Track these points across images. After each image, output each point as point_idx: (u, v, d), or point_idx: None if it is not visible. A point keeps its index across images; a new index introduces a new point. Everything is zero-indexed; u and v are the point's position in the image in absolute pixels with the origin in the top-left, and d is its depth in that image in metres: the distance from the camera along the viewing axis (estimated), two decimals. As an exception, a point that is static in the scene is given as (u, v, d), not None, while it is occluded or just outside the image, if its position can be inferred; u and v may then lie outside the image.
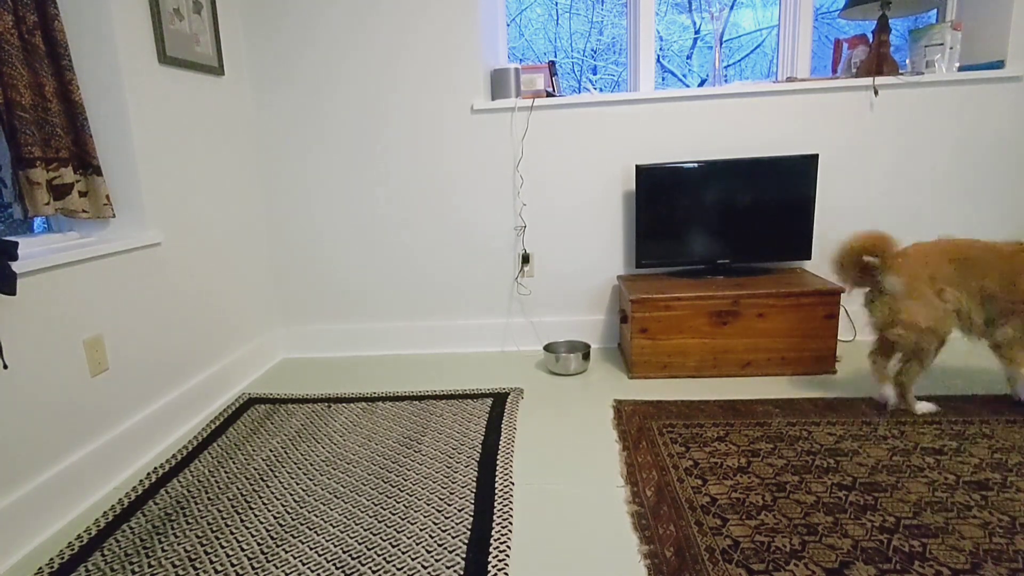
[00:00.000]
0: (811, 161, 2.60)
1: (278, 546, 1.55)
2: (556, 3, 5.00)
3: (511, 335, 3.01)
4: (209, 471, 1.95)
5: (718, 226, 2.69)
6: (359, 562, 1.46)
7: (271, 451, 2.06)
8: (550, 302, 2.97)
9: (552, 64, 2.93)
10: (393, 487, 1.79)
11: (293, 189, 2.93)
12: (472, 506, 1.67)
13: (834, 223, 2.79)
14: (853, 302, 2.85)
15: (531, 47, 5.04)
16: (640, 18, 2.92)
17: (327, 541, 1.55)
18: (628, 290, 2.56)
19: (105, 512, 1.74)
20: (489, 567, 1.42)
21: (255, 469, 1.95)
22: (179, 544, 1.58)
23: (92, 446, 1.84)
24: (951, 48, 2.62)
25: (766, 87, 2.69)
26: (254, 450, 2.07)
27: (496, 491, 1.73)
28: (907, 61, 2.77)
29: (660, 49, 4.79)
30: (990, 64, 2.62)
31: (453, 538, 1.53)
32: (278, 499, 1.76)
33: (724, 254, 2.72)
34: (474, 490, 1.74)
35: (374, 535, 1.56)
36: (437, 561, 1.45)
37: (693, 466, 1.80)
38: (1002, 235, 2.74)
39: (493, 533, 1.54)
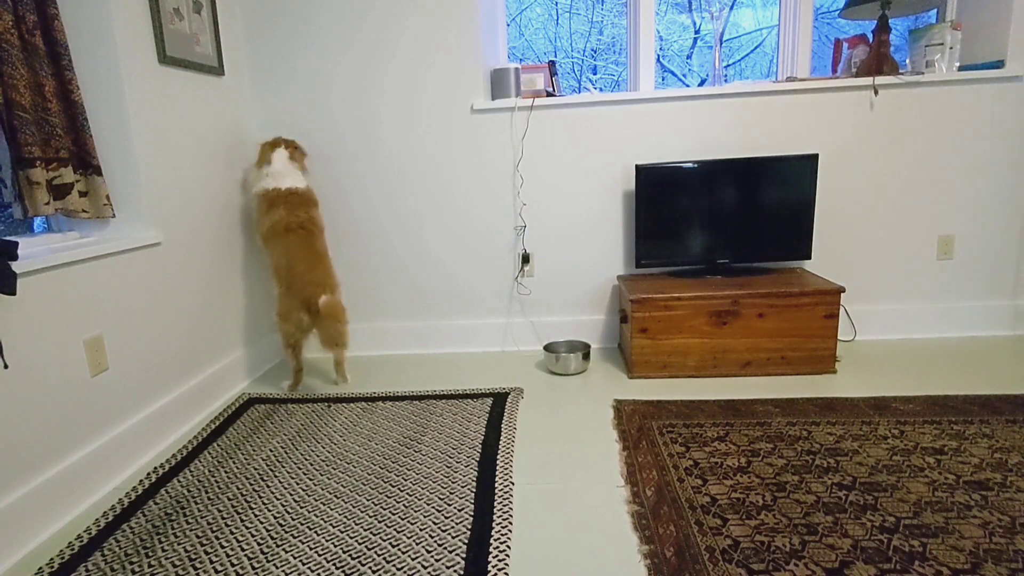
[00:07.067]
0: (811, 161, 2.59)
1: (278, 546, 1.55)
2: (556, 3, 5.00)
3: (511, 335, 3.01)
4: (209, 471, 1.95)
5: (718, 226, 2.69)
6: (359, 562, 1.46)
7: (271, 451, 2.06)
8: (550, 302, 2.97)
9: (552, 64, 2.93)
10: (393, 487, 1.79)
11: (293, 189, 2.93)
12: (472, 506, 1.67)
13: (834, 223, 2.80)
14: (854, 302, 2.85)
15: (531, 47, 5.04)
16: (640, 18, 2.92)
17: (327, 541, 1.55)
18: (628, 290, 2.56)
19: (105, 512, 1.74)
20: (489, 567, 1.42)
21: (255, 469, 1.95)
22: (179, 544, 1.58)
23: (92, 446, 1.84)
24: (951, 48, 2.62)
25: (766, 87, 2.69)
26: (254, 450, 2.07)
27: (496, 491, 1.73)
28: (907, 61, 2.77)
29: (660, 49, 4.79)
30: (990, 64, 2.62)
31: (453, 538, 1.53)
32: (278, 499, 1.76)
33: (724, 254, 2.72)
34: (474, 490, 1.74)
35: (374, 535, 1.56)
36: (437, 561, 1.45)
37: (693, 466, 1.80)
38: (1002, 234, 2.75)
39: (493, 533, 1.54)
